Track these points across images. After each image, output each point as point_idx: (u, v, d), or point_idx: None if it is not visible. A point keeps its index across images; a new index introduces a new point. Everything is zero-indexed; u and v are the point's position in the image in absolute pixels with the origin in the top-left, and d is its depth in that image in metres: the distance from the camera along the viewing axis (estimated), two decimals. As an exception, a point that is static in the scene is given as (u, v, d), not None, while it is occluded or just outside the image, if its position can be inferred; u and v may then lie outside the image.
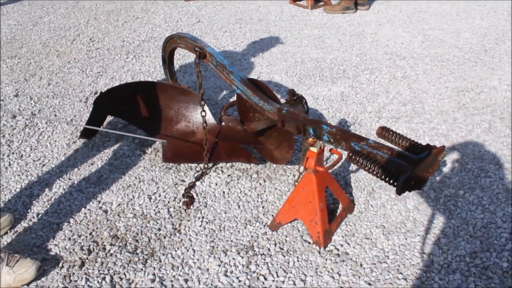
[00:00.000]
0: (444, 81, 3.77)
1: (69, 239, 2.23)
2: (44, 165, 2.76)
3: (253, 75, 3.90)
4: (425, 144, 1.73)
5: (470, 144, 2.94)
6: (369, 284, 2.01)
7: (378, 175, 1.67)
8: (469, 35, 4.76)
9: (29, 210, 2.40)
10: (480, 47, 4.45)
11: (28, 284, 1.98)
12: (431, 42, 4.59)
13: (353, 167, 2.71)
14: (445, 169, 2.71)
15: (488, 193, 2.53)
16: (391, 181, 1.63)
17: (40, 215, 2.37)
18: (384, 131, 1.87)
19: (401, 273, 2.05)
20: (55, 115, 3.27)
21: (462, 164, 2.76)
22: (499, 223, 2.33)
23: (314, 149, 2.04)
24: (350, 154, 1.75)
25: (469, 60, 4.16)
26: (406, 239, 2.24)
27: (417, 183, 1.65)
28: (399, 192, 1.59)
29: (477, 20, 5.19)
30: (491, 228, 2.30)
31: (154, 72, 3.95)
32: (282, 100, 2.37)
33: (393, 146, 1.82)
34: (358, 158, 1.73)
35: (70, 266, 2.09)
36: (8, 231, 2.25)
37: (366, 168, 1.70)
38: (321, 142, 2.03)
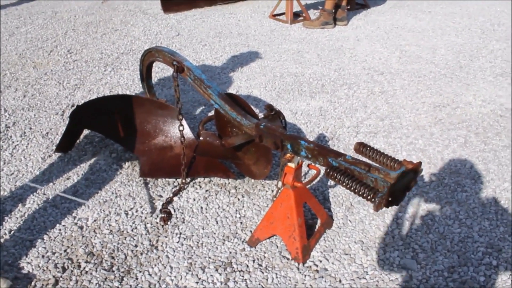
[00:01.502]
0: (421, 96, 3.82)
1: (43, 256, 2.17)
2: (17, 179, 2.69)
3: (232, 90, 3.89)
4: (402, 159, 1.75)
5: (447, 159, 2.98)
6: (348, 300, 2.00)
7: (356, 191, 1.67)
8: (444, 51, 4.85)
9: (0, 227, 2.33)
10: (455, 63, 4.54)
11: (-2, 304, 1.92)
12: (408, 57, 4.66)
13: (331, 182, 2.71)
14: (423, 184, 2.74)
15: (464, 208, 2.56)
16: (369, 197, 1.63)
17: (13, 231, 2.31)
18: (361, 147, 1.88)
19: (379, 289, 2.05)
20: (30, 128, 3.20)
21: (439, 179, 2.78)
22: (475, 237, 2.35)
23: (292, 165, 2.03)
24: (328, 170, 1.75)
25: (445, 76, 4.23)
26: (384, 254, 2.24)
27: (395, 199, 1.66)
28: (377, 208, 1.59)
29: (452, 37, 5.30)
30: (468, 243, 2.32)
31: (133, 85, 3.92)
32: (261, 115, 2.37)
33: (370, 162, 1.83)
34: (335, 174, 1.74)
35: (43, 284, 2.03)
36: None
37: (344, 184, 1.71)
38: (299, 157, 2.03)
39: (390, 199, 1.62)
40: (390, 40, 5.18)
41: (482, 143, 3.16)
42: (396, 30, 5.51)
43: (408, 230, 2.39)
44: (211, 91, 2.32)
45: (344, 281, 2.09)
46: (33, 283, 2.03)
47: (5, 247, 2.21)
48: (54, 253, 2.19)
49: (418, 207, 2.55)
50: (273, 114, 2.20)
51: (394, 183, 1.62)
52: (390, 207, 2.49)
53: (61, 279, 2.07)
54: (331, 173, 1.73)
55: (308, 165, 2.26)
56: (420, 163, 1.69)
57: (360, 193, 1.65)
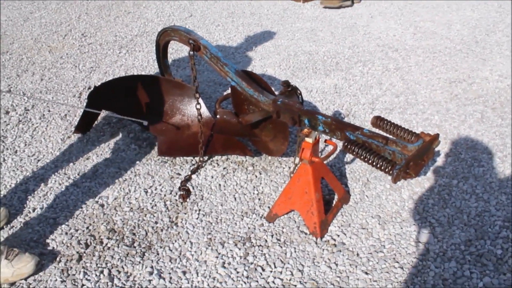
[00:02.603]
0: (436, 72, 3.79)
1: (66, 233, 2.23)
2: (39, 160, 2.75)
3: (246, 69, 3.89)
4: (419, 132, 1.75)
5: (463, 134, 2.97)
6: (366, 273, 2.03)
7: (374, 164, 1.68)
8: (460, 26, 4.78)
9: (25, 205, 2.39)
10: (471, 38, 4.48)
11: (26, 279, 1.98)
12: (422, 34, 4.61)
13: (348, 158, 2.72)
14: (439, 159, 2.74)
15: (481, 182, 2.56)
16: (387, 170, 1.64)
17: (36, 210, 2.37)
18: (378, 121, 1.89)
19: (397, 262, 2.07)
20: (49, 111, 3.25)
21: (456, 154, 2.78)
22: (492, 211, 2.36)
23: (309, 140, 2.04)
24: (346, 144, 1.77)
25: (461, 52, 4.18)
26: (401, 228, 2.26)
27: (412, 171, 1.67)
28: (395, 180, 1.61)
29: (468, 12, 5.21)
30: (485, 216, 2.33)
31: (148, 67, 3.94)
32: (277, 92, 2.38)
33: (387, 135, 1.84)
34: (353, 148, 1.75)
35: (67, 260, 2.09)
36: (5, 226, 2.25)
37: (362, 157, 1.72)
38: (316, 132, 2.04)
39: (408, 171, 1.64)
40: (404, 16, 5.12)
41: (499, 118, 3.13)
42: (410, 6, 5.44)
43: (425, 204, 2.40)
44: (228, 69, 2.33)
45: (361, 255, 2.12)
46: (58, 259, 2.09)
47: (30, 225, 2.27)
48: (77, 230, 2.25)
49: (434, 182, 2.55)
50: (290, 90, 2.21)
51: (411, 155, 1.63)
52: (407, 181, 2.52)
53: (84, 254, 2.12)
54: (348, 146, 1.75)
55: (325, 141, 2.27)
56: (437, 135, 1.69)
57: (378, 165, 1.67)
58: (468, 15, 5.12)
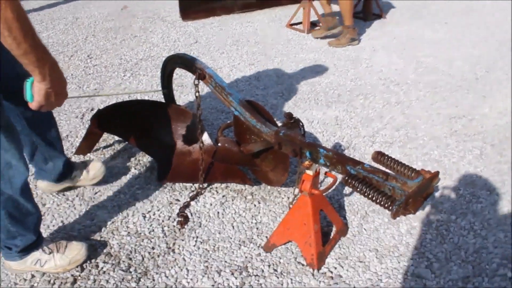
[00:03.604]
0: (436, 108, 3.83)
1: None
2: (38, 180, 2.75)
3: (248, 97, 3.93)
4: (419, 169, 1.77)
5: (462, 170, 2.98)
6: (362, 307, 2.02)
7: (374, 199, 1.70)
8: (461, 63, 4.85)
9: (22, 226, 2.38)
10: (471, 75, 4.53)
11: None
12: (424, 69, 4.67)
13: (346, 190, 2.73)
14: (438, 195, 2.75)
15: (479, 219, 2.56)
16: (386, 205, 1.65)
17: (34, 231, 2.36)
18: (379, 156, 1.91)
19: (393, 297, 2.07)
20: (51, 131, 3.27)
21: (454, 190, 2.79)
22: (490, 249, 2.35)
23: (310, 172, 2.06)
24: (346, 178, 1.78)
25: (461, 88, 4.23)
26: (399, 262, 2.25)
27: (412, 207, 1.68)
28: (394, 216, 1.62)
29: (469, 49, 5.29)
30: (483, 253, 2.33)
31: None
32: (279, 123, 2.40)
33: (388, 170, 1.85)
34: (354, 182, 1.77)
35: (62, 283, 2.08)
36: None
37: (362, 192, 1.73)
38: (317, 165, 2.06)
39: (407, 207, 1.65)
40: (406, 51, 5.19)
41: (498, 155, 3.16)
42: (412, 41, 5.52)
43: (422, 240, 2.40)
44: (232, 98, 2.36)
45: (358, 289, 2.11)
46: (52, 281, 2.08)
47: (27, 246, 2.26)
48: (73, 253, 2.24)
49: (433, 217, 2.56)
50: (292, 122, 2.23)
51: (411, 192, 1.65)
52: (406, 216, 2.52)
53: (79, 278, 2.11)
54: (349, 180, 1.76)
55: (326, 173, 2.29)
56: (437, 173, 1.71)
57: (378, 201, 1.68)
58: (469, 52, 5.20)
